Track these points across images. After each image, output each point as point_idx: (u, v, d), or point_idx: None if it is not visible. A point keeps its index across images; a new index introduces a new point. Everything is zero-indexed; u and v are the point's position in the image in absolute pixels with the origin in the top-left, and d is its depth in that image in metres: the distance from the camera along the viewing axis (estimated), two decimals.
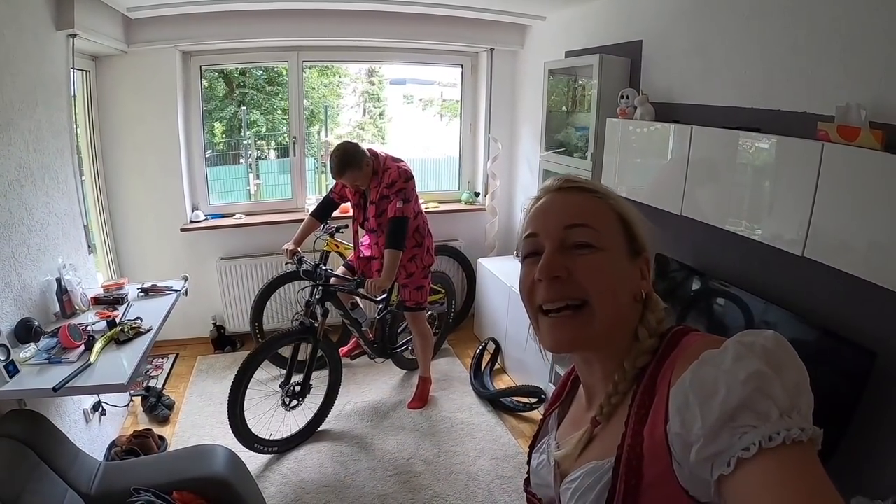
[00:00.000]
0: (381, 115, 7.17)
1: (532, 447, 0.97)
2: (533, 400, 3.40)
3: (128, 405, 3.41)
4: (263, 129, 6.75)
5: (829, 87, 1.96)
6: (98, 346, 2.20)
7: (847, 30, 1.90)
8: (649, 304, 0.80)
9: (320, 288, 3.03)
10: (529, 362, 3.57)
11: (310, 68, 6.67)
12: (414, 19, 3.92)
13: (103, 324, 2.41)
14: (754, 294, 2.24)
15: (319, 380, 3.16)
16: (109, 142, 3.78)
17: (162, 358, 4.05)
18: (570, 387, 0.95)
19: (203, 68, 4.09)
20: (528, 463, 0.95)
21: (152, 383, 3.66)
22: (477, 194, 4.77)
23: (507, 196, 4.71)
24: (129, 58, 3.65)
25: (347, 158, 2.93)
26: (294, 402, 3.04)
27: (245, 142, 6.18)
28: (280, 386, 3.03)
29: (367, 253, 3.24)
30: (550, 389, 3.25)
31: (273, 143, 6.57)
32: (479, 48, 4.43)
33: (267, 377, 3.17)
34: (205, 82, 6.39)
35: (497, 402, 3.50)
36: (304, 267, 3.07)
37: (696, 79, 2.66)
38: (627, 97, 2.90)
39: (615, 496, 0.68)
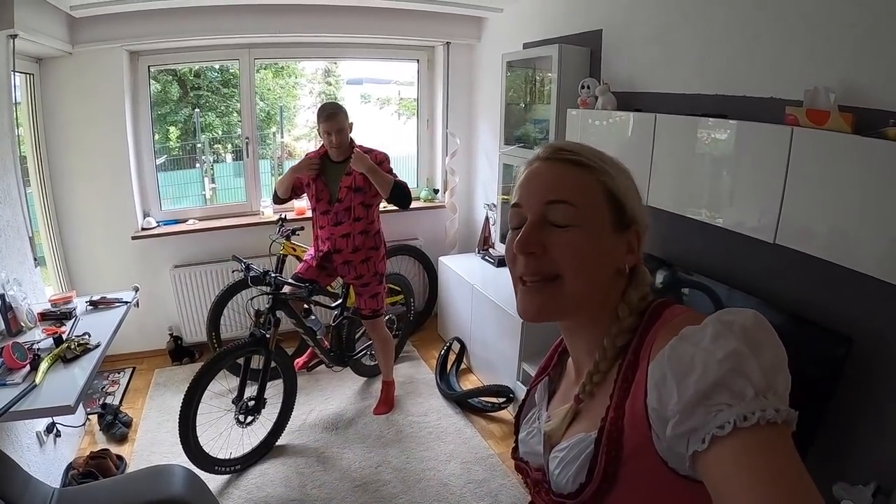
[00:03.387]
0: None
1: (518, 417, 0.99)
2: (501, 399, 3.34)
3: (84, 424, 3.24)
4: (219, 132, 6.57)
5: (796, 70, 1.96)
6: (44, 365, 2.06)
7: (813, 12, 1.89)
8: (635, 278, 0.81)
9: (270, 296, 2.88)
10: (496, 361, 3.50)
11: (264, 69, 6.51)
12: (368, 13, 3.82)
13: (50, 341, 2.25)
14: (725, 283, 2.23)
15: (275, 389, 3.02)
16: (56, 148, 3.58)
17: (118, 373, 3.86)
18: (556, 359, 0.97)
19: (152, 68, 3.91)
20: (516, 433, 0.97)
21: (108, 400, 3.49)
22: (436, 191, 4.69)
23: (466, 192, 4.65)
24: (74, 59, 3.47)
25: (339, 106, 2.96)
26: (249, 419, 2.89)
27: (199, 145, 6.00)
28: (233, 402, 2.87)
29: (326, 248, 3.08)
30: (519, 388, 3.19)
31: (229, 146, 6.42)
32: (435, 42, 4.35)
33: (224, 388, 2.98)
34: (157, 85, 6.20)
35: (465, 403, 3.43)
36: (252, 273, 2.91)
37: (658, 66, 2.64)
38: (588, 87, 2.87)
39: (597, 466, 0.70)
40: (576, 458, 0.74)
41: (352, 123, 2.98)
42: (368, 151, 2.98)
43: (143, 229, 3.86)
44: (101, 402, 3.38)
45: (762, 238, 1.87)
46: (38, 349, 2.19)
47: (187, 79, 6.90)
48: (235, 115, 4.56)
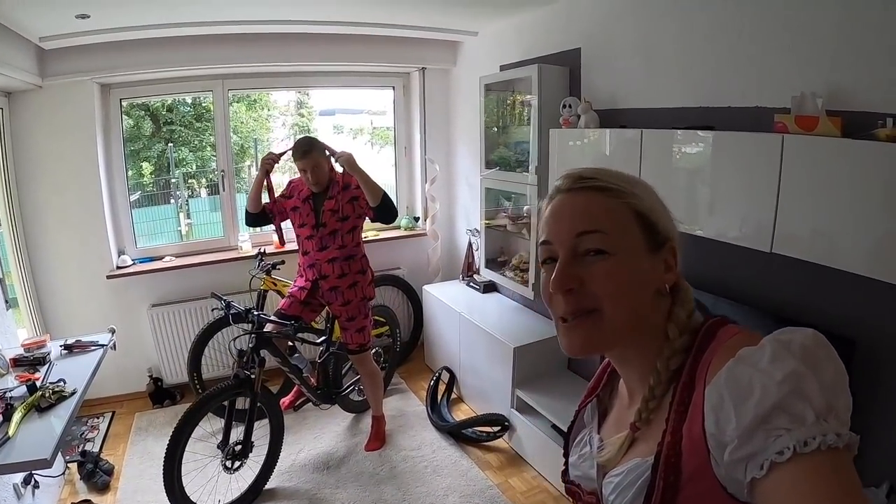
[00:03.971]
0: None
1: (567, 440, 0.96)
2: (496, 428, 3.24)
3: (63, 473, 3.07)
4: (193, 167, 6.48)
5: (780, 78, 1.96)
6: (17, 416, 1.95)
7: (794, 17, 1.91)
8: (678, 296, 0.79)
9: (253, 335, 2.76)
10: (488, 389, 3.42)
11: (237, 101, 6.45)
12: (342, 41, 3.79)
13: (23, 389, 2.13)
14: (715, 294, 2.19)
15: (262, 430, 2.88)
16: (26, 185, 3.46)
17: (97, 418, 3.69)
18: (606, 379, 0.93)
19: (124, 102, 3.84)
20: (566, 455, 0.95)
21: (88, 447, 3.33)
22: (416, 219, 4.62)
23: (447, 219, 4.60)
24: (44, 93, 3.38)
25: (313, 142, 2.87)
26: (237, 464, 2.74)
27: (173, 180, 5.88)
28: (218, 447, 2.71)
29: (312, 276, 2.97)
30: (513, 416, 3.11)
31: (204, 180, 6.32)
32: (410, 68, 4.34)
33: (209, 432, 2.83)
34: (130, 120, 6.09)
35: (459, 434, 3.34)
36: (233, 311, 2.79)
37: (640, 82, 2.63)
38: (570, 106, 2.86)
39: (654, 492, 0.68)
40: (632, 483, 0.72)
41: (329, 157, 2.91)
42: (349, 177, 2.93)
43: (118, 268, 3.73)
44: (80, 450, 3.22)
45: (758, 248, 1.86)
46: (11, 398, 2.09)
47: (160, 113, 6.81)
48: (209, 149, 4.48)
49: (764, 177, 1.79)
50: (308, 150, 2.81)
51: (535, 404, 3.00)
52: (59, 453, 2.99)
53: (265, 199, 3.01)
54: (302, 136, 2.91)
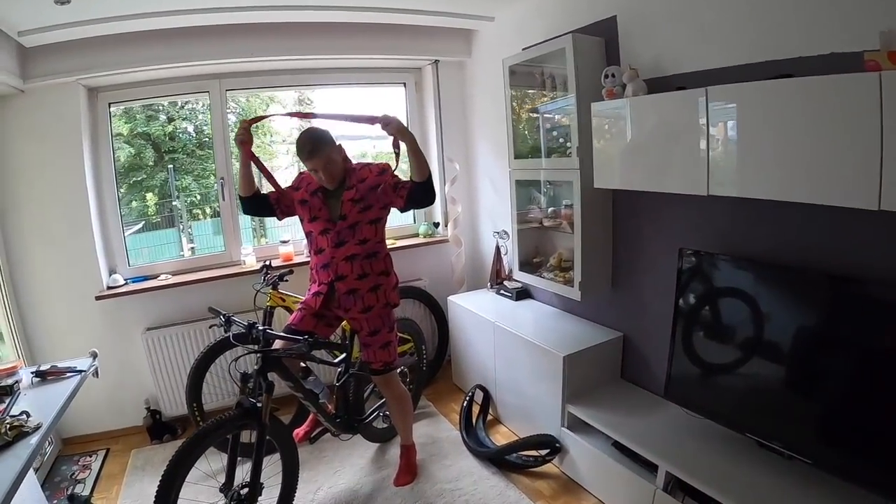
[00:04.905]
0: None
1: None
2: (545, 451, 2.79)
3: None
4: (197, 196, 6.27)
5: (854, 18, 1.70)
6: None
7: None
8: None
9: (259, 356, 2.32)
10: (532, 407, 2.98)
11: (236, 116, 6.18)
12: (347, 31, 3.45)
13: None
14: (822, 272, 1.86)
15: (273, 468, 2.44)
16: (7, 198, 3.15)
17: (90, 456, 3.28)
18: None
19: (112, 106, 3.51)
20: None
21: (78, 489, 2.94)
22: (436, 225, 4.22)
23: (470, 222, 4.20)
24: (26, 97, 3.08)
25: (319, 136, 2.44)
26: None
27: (174, 202, 5.64)
28: (221, 490, 2.24)
29: (326, 278, 2.54)
30: (564, 435, 2.68)
31: (208, 209, 6.11)
32: (422, 62, 3.99)
33: (211, 470, 2.40)
34: (132, 149, 5.85)
35: (501, 461, 2.88)
36: (235, 330, 2.35)
37: (689, 43, 2.31)
38: (613, 75, 2.51)
39: None
40: None
41: (340, 146, 2.51)
42: (366, 166, 2.56)
43: (108, 288, 3.34)
44: (68, 493, 2.83)
45: (862, 206, 1.52)
46: None
47: (162, 141, 6.57)
48: (213, 177, 4.18)
49: (862, 123, 1.49)
50: (314, 148, 2.39)
51: (590, 420, 2.57)
52: (44, 497, 2.63)
53: (266, 189, 2.62)
54: (303, 132, 2.49)
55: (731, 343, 2.19)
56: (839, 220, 1.80)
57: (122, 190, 6.28)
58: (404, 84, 4.16)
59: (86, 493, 2.88)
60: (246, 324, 2.33)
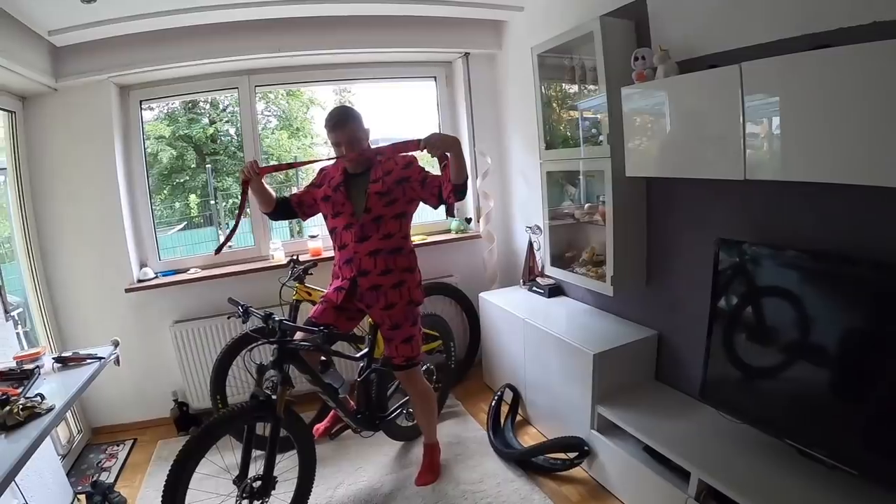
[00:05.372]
0: None
1: None
2: (573, 454, 2.66)
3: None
4: (237, 196, 6.51)
5: None
6: None
7: None
8: None
9: (275, 347, 2.28)
10: (561, 408, 2.86)
11: (280, 129, 6.35)
12: (376, 25, 3.41)
13: None
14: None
15: (291, 461, 2.41)
16: (41, 193, 3.23)
17: (117, 445, 3.34)
18: None
19: (143, 103, 3.56)
20: None
21: (104, 476, 2.98)
22: (469, 220, 4.13)
23: (503, 217, 4.10)
24: (59, 96, 3.16)
25: (350, 111, 2.43)
26: (255, 503, 2.22)
27: (212, 201, 5.79)
28: (234, 481, 2.21)
29: (349, 274, 2.48)
30: (594, 438, 2.55)
31: (248, 210, 6.32)
32: (452, 55, 3.92)
33: (222, 465, 2.38)
34: (174, 151, 6.02)
35: (528, 463, 2.77)
36: (252, 318, 2.33)
37: (721, 21, 2.16)
38: (643, 58, 2.39)
39: None
40: None
41: (368, 130, 2.46)
42: (390, 158, 2.47)
43: (139, 281, 3.40)
44: (92, 480, 2.85)
45: None
46: None
47: (203, 143, 6.74)
48: None
49: None
50: (343, 119, 2.35)
51: (621, 422, 2.43)
52: (67, 481, 2.73)
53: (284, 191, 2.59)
54: (337, 105, 2.46)
55: (771, 342, 2.02)
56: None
57: (165, 191, 6.51)
58: (435, 78, 4.08)
59: (110, 480, 2.92)
60: (262, 314, 2.30)
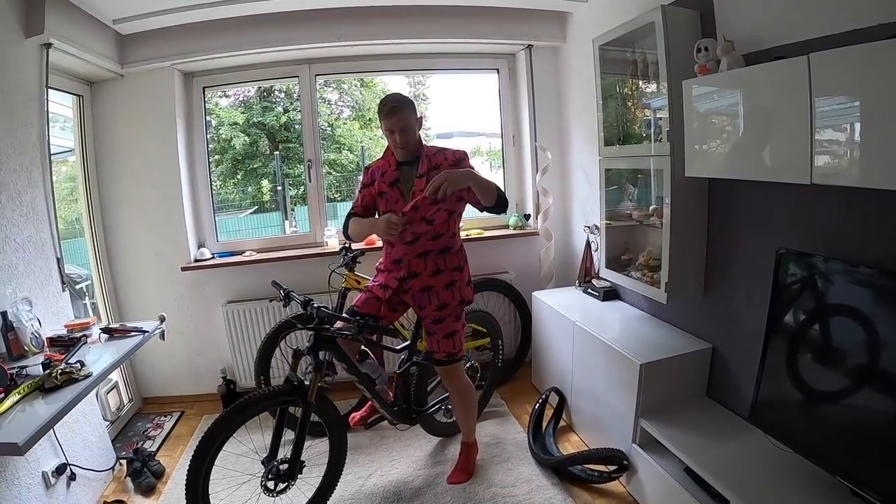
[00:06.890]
0: None
1: None
2: (613, 467, 2.53)
3: (112, 468, 2.83)
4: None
5: None
6: (14, 395, 1.74)
7: None
8: None
9: (311, 333, 2.28)
10: (605, 417, 2.73)
11: (353, 119, 6.45)
12: (439, 14, 3.37)
13: (39, 368, 1.93)
14: None
15: (322, 446, 2.43)
16: (106, 173, 3.42)
17: (164, 416, 3.49)
18: None
19: (206, 90, 3.69)
20: None
21: (147, 444, 3.12)
22: (527, 216, 4.03)
23: (561, 215, 3.96)
24: (125, 81, 3.33)
25: (405, 99, 2.37)
26: (281, 486, 2.23)
27: (279, 187, 5.97)
28: (263, 462, 2.23)
29: (400, 274, 2.46)
30: (635, 452, 2.41)
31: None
32: (515, 46, 3.81)
33: (252, 447, 2.39)
34: (247, 137, 6.26)
35: (564, 472, 2.67)
36: (292, 303, 2.34)
37: (790, 11, 1.96)
38: (706, 49, 2.20)
39: None
40: None
41: (421, 118, 2.41)
42: (440, 151, 2.42)
43: (195, 260, 3.53)
44: (136, 447, 2.99)
45: None
46: (27, 375, 1.89)
47: (276, 130, 6.95)
48: (326, 166, 4.30)
49: None
50: (398, 105, 2.30)
51: (664, 439, 2.27)
52: (112, 446, 2.87)
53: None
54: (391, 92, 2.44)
55: (833, 366, 1.82)
56: None
57: (238, 176, 6.77)
58: (497, 70, 4.00)
59: (153, 449, 3.04)
60: (303, 300, 2.32)
